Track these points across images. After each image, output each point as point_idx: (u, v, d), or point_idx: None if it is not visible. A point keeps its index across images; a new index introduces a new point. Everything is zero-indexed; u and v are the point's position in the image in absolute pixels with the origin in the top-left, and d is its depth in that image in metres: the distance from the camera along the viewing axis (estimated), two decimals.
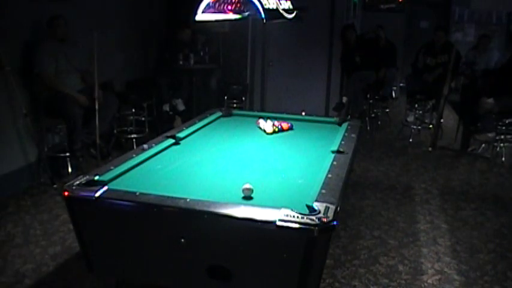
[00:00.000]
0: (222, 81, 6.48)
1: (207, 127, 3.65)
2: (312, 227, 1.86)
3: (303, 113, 4.02)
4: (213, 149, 3.12)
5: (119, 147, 5.30)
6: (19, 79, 4.23)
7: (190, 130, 3.42)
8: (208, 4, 3.23)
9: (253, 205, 2.04)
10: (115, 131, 5.40)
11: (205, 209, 2.02)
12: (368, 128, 6.56)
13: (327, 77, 6.89)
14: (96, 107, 4.58)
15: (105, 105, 4.65)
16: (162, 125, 5.64)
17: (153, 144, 2.97)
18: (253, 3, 3.14)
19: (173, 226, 2.12)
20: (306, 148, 3.15)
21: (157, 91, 5.98)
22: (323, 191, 2.22)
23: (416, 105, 6.41)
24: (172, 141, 3.11)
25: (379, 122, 7.03)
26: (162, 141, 3.07)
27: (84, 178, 2.32)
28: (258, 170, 2.71)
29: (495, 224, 3.83)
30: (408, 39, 9.59)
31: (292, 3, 3.82)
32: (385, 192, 4.44)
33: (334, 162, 2.68)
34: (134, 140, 5.47)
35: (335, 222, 1.93)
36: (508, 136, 5.34)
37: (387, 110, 7.43)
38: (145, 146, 2.92)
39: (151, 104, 5.89)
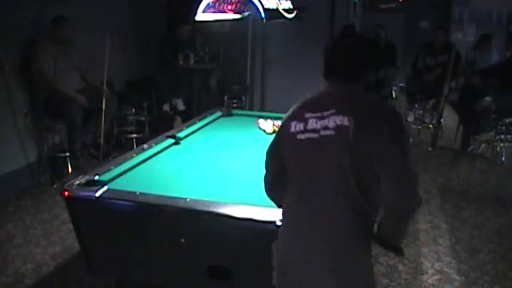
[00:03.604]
0: (222, 81, 6.47)
1: (207, 127, 3.65)
2: None
3: None
4: (212, 149, 3.12)
5: (119, 147, 5.30)
6: (19, 79, 4.24)
7: (190, 130, 3.42)
8: (208, 4, 3.24)
9: (253, 205, 2.04)
10: (115, 131, 5.40)
11: (205, 209, 2.02)
12: None
13: None
14: (103, 107, 4.58)
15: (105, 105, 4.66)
16: (162, 125, 5.63)
17: (153, 144, 2.97)
18: (253, 3, 3.15)
19: (173, 226, 2.12)
20: None
21: (157, 91, 5.98)
22: None
23: (416, 105, 6.41)
24: (172, 141, 3.11)
25: None
26: (162, 141, 3.07)
27: (84, 178, 2.31)
28: (258, 170, 2.70)
29: (495, 224, 3.83)
30: (408, 39, 9.58)
31: (292, 3, 3.83)
32: None
33: None
34: (134, 140, 5.47)
35: None
36: (508, 136, 5.34)
37: None
38: (145, 145, 2.92)
39: (151, 104, 5.89)
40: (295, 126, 1.67)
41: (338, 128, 1.58)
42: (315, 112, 1.66)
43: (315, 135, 1.61)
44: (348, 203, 1.56)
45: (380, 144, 1.53)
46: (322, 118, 1.62)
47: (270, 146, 1.83)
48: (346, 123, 1.57)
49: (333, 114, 1.61)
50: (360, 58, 1.75)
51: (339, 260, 1.55)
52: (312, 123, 1.64)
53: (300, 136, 1.65)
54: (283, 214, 1.71)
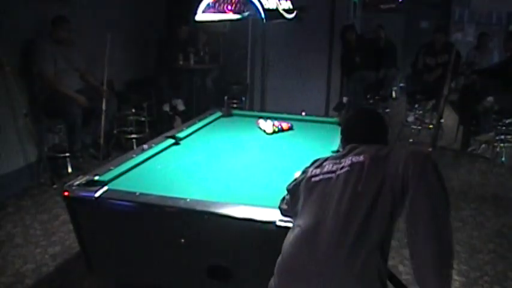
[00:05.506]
0: (221, 81, 6.47)
1: (207, 127, 3.65)
2: None
3: (303, 113, 4.01)
4: (213, 149, 3.12)
5: (119, 147, 5.30)
6: (19, 79, 4.23)
7: (191, 130, 3.42)
8: (208, 4, 3.24)
9: (253, 205, 2.04)
10: (115, 131, 5.40)
11: (205, 209, 2.02)
12: None
13: (327, 77, 6.89)
14: (104, 107, 4.58)
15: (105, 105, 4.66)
16: (162, 125, 5.63)
17: (153, 145, 2.97)
18: (253, 3, 3.14)
19: (173, 226, 2.12)
20: (306, 148, 3.14)
21: (157, 91, 5.98)
22: None
23: (416, 106, 6.41)
24: (172, 141, 3.11)
25: None
26: (162, 141, 3.07)
27: (84, 178, 2.31)
28: (258, 170, 2.71)
29: (495, 224, 3.83)
30: (408, 39, 9.59)
31: (292, 3, 3.83)
32: None
33: None
34: (134, 140, 5.47)
35: None
36: (508, 136, 5.34)
37: (387, 110, 7.43)
38: (145, 146, 2.92)
39: (151, 104, 5.89)
40: (312, 172, 1.70)
41: (353, 165, 1.58)
42: (333, 160, 1.69)
43: (331, 175, 1.62)
44: (355, 240, 1.49)
45: (398, 168, 1.48)
46: (339, 163, 1.64)
47: (290, 184, 1.85)
48: (361, 159, 1.57)
49: (350, 156, 1.62)
50: (382, 129, 1.82)
51: None
52: (328, 167, 1.65)
53: (315, 179, 1.66)
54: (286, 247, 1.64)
